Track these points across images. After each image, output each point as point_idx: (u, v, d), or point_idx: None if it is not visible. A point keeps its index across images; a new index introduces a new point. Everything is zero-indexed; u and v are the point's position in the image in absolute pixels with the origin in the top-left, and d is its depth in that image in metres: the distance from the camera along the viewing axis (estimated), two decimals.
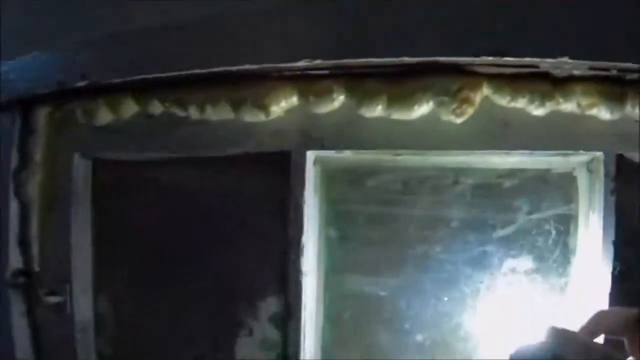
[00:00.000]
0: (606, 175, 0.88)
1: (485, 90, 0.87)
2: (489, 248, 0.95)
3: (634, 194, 0.90)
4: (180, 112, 0.96)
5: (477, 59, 0.82)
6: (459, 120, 0.88)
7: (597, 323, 0.72)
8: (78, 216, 1.08)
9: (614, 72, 0.83)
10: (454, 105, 0.86)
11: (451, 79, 0.86)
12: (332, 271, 1.00)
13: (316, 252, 1.00)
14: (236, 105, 0.92)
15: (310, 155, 0.96)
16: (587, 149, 0.88)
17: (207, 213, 1.04)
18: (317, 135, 0.94)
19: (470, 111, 0.87)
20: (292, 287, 0.96)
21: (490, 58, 0.81)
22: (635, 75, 0.83)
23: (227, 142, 0.97)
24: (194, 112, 0.95)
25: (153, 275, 1.08)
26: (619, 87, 0.84)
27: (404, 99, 0.88)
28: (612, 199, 0.88)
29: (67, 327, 1.07)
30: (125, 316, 1.10)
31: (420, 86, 0.87)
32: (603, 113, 0.85)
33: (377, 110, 0.89)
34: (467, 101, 0.86)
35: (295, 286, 0.95)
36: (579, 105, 0.85)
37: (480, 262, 0.95)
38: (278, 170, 0.96)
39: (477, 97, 0.86)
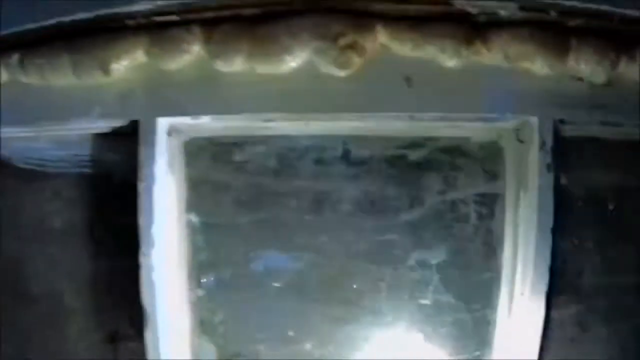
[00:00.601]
0: (541, 146, 0.79)
1: (381, 36, 0.76)
2: (391, 236, 0.86)
3: (576, 169, 0.82)
4: (23, 78, 0.87)
5: None
6: (342, 73, 0.77)
7: None
8: None
9: (554, 15, 0.74)
10: (335, 54, 0.75)
11: (332, 20, 0.75)
12: (196, 266, 0.89)
13: (175, 244, 0.88)
14: (74, 65, 0.83)
15: (163, 123, 0.85)
16: (517, 111, 0.79)
17: (65, 197, 0.94)
18: (168, 98, 0.83)
19: (357, 61, 0.76)
20: (146, 288, 0.83)
21: None
22: (580, 21, 0.74)
23: (72, 112, 0.87)
24: (34, 78, 0.86)
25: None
26: (560, 35, 0.74)
27: (269, 46, 0.76)
28: (550, 175, 0.79)
29: None
30: None
31: (291, 29, 0.75)
32: (539, 67, 0.75)
33: (235, 63, 0.77)
34: (353, 48, 0.76)
35: (148, 286, 0.83)
36: (506, 56, 0.75)
37: (381, 254, 0.86)
38: (128, 144, 0.85)
39: (369, 44, 0.76)
